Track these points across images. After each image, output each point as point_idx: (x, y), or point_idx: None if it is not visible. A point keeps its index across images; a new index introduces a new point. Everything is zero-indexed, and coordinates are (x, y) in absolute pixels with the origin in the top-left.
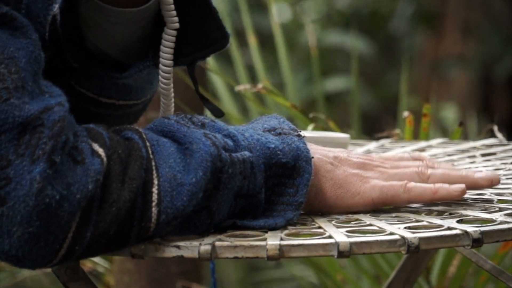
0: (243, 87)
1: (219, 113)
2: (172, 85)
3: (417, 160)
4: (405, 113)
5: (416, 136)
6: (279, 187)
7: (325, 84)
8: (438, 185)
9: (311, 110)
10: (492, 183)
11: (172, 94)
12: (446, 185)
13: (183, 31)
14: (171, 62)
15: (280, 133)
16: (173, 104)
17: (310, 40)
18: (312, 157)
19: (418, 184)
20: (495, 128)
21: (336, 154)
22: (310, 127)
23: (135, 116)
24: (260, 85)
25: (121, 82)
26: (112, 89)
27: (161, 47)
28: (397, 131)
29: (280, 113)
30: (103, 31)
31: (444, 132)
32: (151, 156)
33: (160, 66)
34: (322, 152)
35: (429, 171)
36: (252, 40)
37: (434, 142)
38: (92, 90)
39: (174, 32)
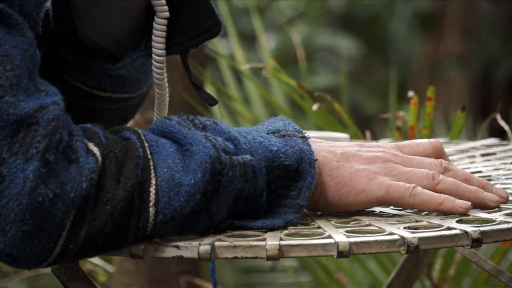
0: (248, 66)
1: (212, 101)
2: (165, 74)
3: (435, 150)
4: (410, 93)
5: (419, 121)
6: (282, 190)
7: (312, 81)
8: (444, 196)
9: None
10: (499, 203)
11: (166, 84)
12: (452, 199)
13: (175, 19)
14: (163, 51)
15: (284, 135)
16: (167, 94)
17: (294, 39)
18: (316, 159)
19: (425, 191)
20: (498, 116)
21: (345, 149)
22: (315, 106)
23: (131, 111)
24: (264, 65)
25: (115, 73)
26: (107, 82)
27: (153, 36)
28: (401, 113)
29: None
30: (95, 22)
31: (446, 119)
32: (149, 156)
33: (153, 55)
34: (330, 149)
35: (440, 176)
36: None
37: None
38: (87, 83)
39: (165, 21)
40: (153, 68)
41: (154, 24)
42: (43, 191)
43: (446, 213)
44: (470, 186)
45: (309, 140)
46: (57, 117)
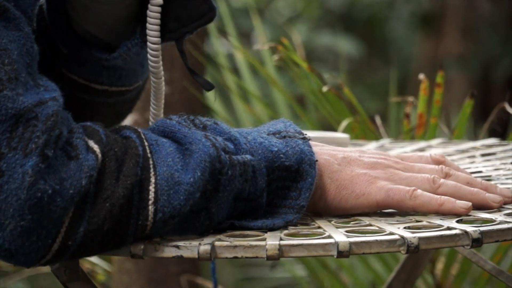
0: (261, 46)
1: (209, 86)
2: (161, 63)
3: (437, 161)
4: (421, 76)
5: (429, 110)
6: (283, 190)
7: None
8: (444, 198)
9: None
10: (502, 203)
11: (162, 73)
12: (452, 200)
13: (169, 6)
14: (158, 39)
15: (284, 136)
16: (163, 83)
17: (294, 39)
18: (317, 160)
19: (425, 193)
20: (506, 105)
21: (347, 154)
22: (325, 88)
23: (128, 105)
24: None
25: (112, 64)
26: (103, 74)
27: (147, 24)
28: (411, 98)
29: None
30: (89, 12)
31: (454, 106)
32: (149, 154)
33: (148, 43)
34: (331, 153)
35: (441, 180)
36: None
37: (434, 142)
38: (84, 76)
39: (158, 8)
40: (149, 56)
41: (148, 12)
42: (42, 186)
43: (447, 214)
44: (472, 188)
45: (311, 143)
46: (56, 113)
